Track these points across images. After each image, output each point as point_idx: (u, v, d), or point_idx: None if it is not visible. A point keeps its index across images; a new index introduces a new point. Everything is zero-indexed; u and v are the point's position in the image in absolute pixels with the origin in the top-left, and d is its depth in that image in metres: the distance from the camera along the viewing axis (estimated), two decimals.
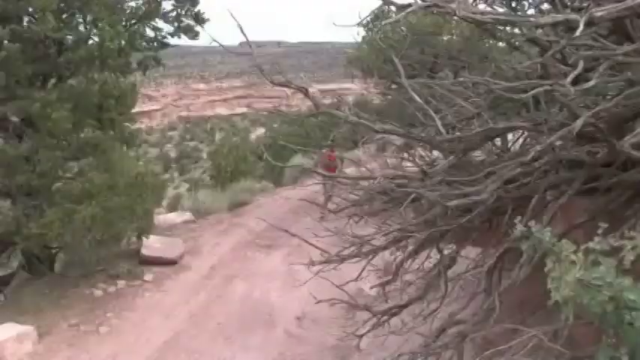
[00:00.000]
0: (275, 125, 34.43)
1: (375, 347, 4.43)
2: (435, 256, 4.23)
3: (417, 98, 3.60)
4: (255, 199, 16.55)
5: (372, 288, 4.56)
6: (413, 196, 3.53)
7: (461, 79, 3.92)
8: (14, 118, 9.38)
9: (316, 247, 4.56)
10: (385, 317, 3.78)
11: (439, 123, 3.58)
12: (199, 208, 15.53)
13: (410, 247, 3.76)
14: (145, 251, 11.43)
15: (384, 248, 3.94)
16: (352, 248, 4.19)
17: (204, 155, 63.72)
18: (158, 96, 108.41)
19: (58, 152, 9.31)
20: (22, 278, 11.05)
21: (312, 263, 4.15)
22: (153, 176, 11.60)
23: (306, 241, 4.62)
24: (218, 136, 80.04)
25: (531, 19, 3.45)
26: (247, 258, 11.10)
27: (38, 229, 8.92)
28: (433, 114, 3.60)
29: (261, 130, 67.23)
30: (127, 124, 10.82)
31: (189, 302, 9.69)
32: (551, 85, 2.99)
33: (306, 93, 3.82)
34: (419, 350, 3.68)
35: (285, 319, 8.54)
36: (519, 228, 2.41)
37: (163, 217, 15.02)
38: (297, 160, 19.77)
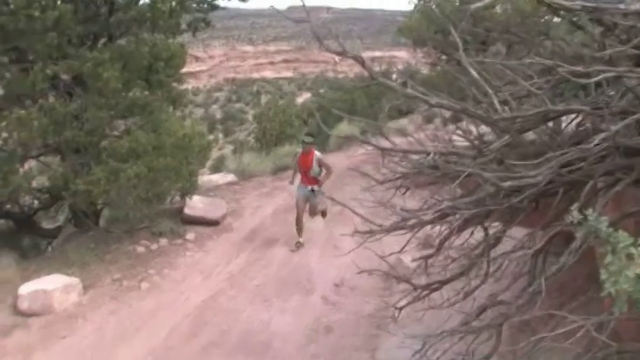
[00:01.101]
0: (321, 90, 34.35)
1: (411, 320, 4.43)
2: (479, 233, 4.17)
3: (474, 73, 3.52)
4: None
5: (413, 261, 4.52)
6: (466, 173, 3.45)
7: (528, 59, 3.76)
8: (65, 77, 9.51)
9: (359, 216, 4.49)
10: (425, 292, 3.76)
11: (495, 100, 3.50)
12: (243, 171, 15.63)
13: (456, 224, 3.70)
14: (188, 211, 11.58)
15: (431, 222, 3.89)
16: (397, 220, 4.13)
17: (250, 117, 63.99)
18: (205, 57, 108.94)
19: (107, 111, 9.44)
20: (68, 232, 11.32)
21: (356, 233, 4.10)
22: (199, 138, 11.68)
23: (354, 211, 4.50)
24: (264, 99, 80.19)
25: (620, 5, 3.36)
26: (288, 222, 11.12)
27: (85, 185, 9.09)
28: (490, 90, 3.51)
29: (307, 95, 67.19)
30: (175, 84, 10.92)
31: (229, 263, 9.84)
32: (619, 72, 2.89)
33: (362, 63, 3.76)
34: (458, 328, 3.66)
35: (323, 286, 8.60)
36: (575, 214, 2.36)
37: (207, 178, 15.16)
38: (343, 127, 19.72)
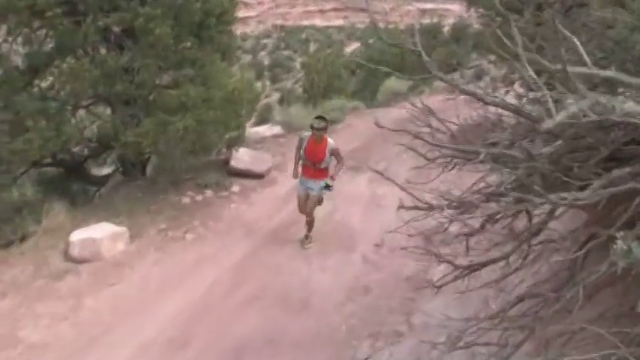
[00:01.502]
0: (371, 41, 33.88)
1: (447, 287, 4.46)
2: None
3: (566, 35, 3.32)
4: (346, 118, 16.53)
5: (457, 237, 4.50)
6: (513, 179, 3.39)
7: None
8: (116, 29, 9.62)
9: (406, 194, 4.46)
10: (465, 272, 3.79)
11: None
12: (289, 123, 15.67)
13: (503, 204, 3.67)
14: (234, 163, 11.72)
15: (475, 206, 3.86)
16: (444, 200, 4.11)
17: (297, 65, 63.73)
18: (254, 3, 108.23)
19: (157, 65, 9.54)
20: (116, 180, 11.58)
21: (401, 207, 4.09)
22: (248, 91, 11.74)
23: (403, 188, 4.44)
24: (312, 47, 79.61)
25: None
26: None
27: (134, 137, 9.27)
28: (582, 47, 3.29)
29: (356, 45, 66.47)
30: (225, 37, 10.96)
31: (272, 218, 10.02)
32: None
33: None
34: (494, 315, 3.69)
35: (364, 245, 8.71)
36: (620, 244, 2.32)
37: (254, 130, 15.30)
38: (391, 82, 19.56)
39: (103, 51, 9.72)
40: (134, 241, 9.12)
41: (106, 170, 12.55)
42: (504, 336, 3.60)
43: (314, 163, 8.51)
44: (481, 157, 3.62)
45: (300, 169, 8.82)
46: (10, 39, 9.19)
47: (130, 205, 10.24)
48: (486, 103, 3.76)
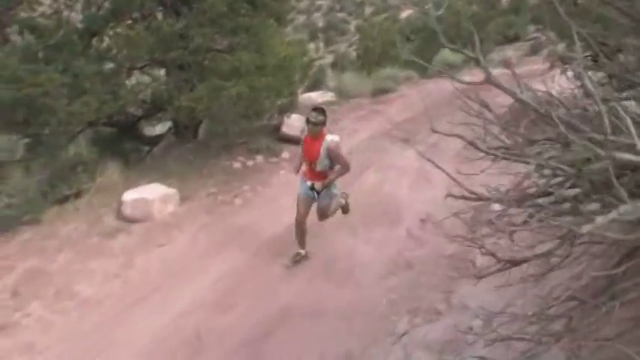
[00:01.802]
0: (427, 7, 33.37)
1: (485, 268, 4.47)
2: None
3: None
4: (399, 87, 16.43)
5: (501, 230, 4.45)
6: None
7: None
8: None
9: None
10: (507, 265, 3.79)
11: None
12: (342, 90, 15.66)
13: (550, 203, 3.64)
14: (285, 129, 11.82)
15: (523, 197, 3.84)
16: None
17: (352, 28, 63.11)
18: None
19: (212, 32, 9.64)
20: (169, 141, 11.77)
21: (449, 195, 4.07)
22: (301, 57, 11.77)
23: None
24: (367, 10, 78.73)
25: None
26: (383, 149, 11.20)
27: (188, 102, 9.42)
28: None
29: (411, 11, 65.53)
30: (279, 3, 10.98)
31: None
32: None
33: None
34: (533, 313, 3.70)
35: (409, 219, 8.68)
36: None
37: (307, 95, 15.31)
38: (446, 53, 19.30)
39: (159, 16, 9.85)
40: (184, 203, 9.34)
41: (158, 131, 12.77)
42: (539, 333, 3.63)
43: (310, 163, 7.27)
44: (530, 163, 3.59)
45: (304, 167, 7.55)
46: (70, 3, 9.37)
47: (181, 168, 10.45)
48: (517, 99, 3.71)
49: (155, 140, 12.28)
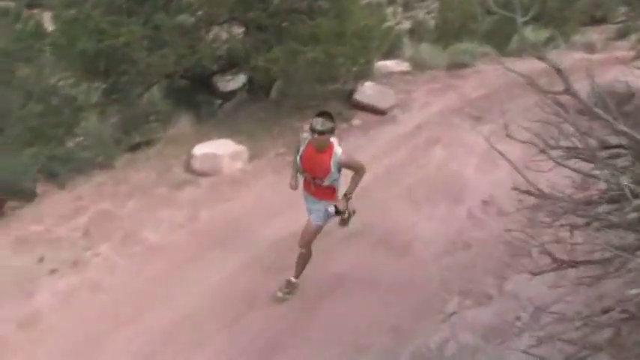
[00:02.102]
0: None
1: (541, 260, 4.46)
2: None
3: None
4: (475, 63, 16.17)
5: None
6: None
7: None
8: None
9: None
10: (564, 265, 3.78)
11: None
12: (418, 61, 15.50)
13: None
14: (358, 96, 11.82)
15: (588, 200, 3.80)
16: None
17: None
18: None
19: None
20: (241, 98, 11.91)
21: (515, 189, 4.04)
22: (380, 25, 11.71)
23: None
24: None
25: None
26: (453, 125, 11.10)
27: (264, 62, 9.53)
28: None
29: None
30: None
31: (388, 156, 10.05)
32: None
33: None
34: (581, 317, 3.68)
35: (472, 199, 8.60)
36: None
37: (382, 63, 15.19)
38: (527, 30, 18.80)
39: None
40: (253, 161, 9.51)
41: (231, 87, 12.90)
42: (585, 339, 3.62)
43: (313, 178, 6.07)
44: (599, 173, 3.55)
45: (301, 181, 6.42)
46: None
47: (252, 125, 10.61)
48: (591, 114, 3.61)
49: (228, 96, 12.44)
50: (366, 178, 8.81)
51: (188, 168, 9.13)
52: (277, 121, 10.82)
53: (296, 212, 7.95)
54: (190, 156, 9.20)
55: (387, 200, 8.47)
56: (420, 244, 7.47)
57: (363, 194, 8.42)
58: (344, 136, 10.49)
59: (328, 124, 5.60)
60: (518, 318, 5.23)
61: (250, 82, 11.79)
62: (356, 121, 11.22)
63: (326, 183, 5.99)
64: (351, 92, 12.00)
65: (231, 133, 10.06)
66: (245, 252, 7.25)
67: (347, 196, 6.04)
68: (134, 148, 9.90)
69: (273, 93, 12.03)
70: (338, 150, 5.80)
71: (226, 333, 6.07)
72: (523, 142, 4.50)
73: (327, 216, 6.16)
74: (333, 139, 5.82)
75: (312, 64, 9.70)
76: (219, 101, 12.35)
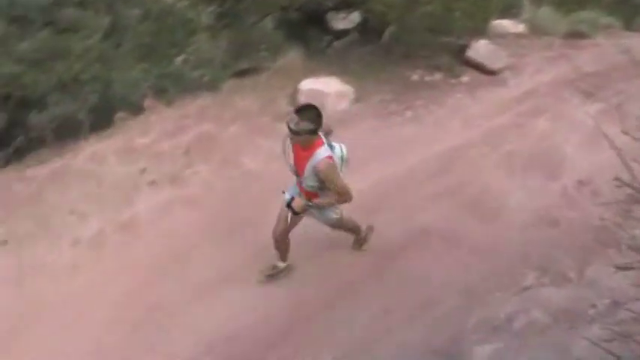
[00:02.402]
0: None
1: (628, 255, 4.43)
2: None
3: None
4: (595, 35, 15.52)
5: None
6: None
7: None
8: None
9: None
10: None
11: None
12: (535, 25, 15.00)
13: None
14: (470, 53, 11.60)
15: None
16: None
17: None
18: None
19: None
20: (352, 39, 11.78)
21: (616, 179, 3.98)
22: None
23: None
24: None
25: None
26: (562, 98, 10.76)
27: (381, 6, 9.51)
28: None
29: None
30: None
31: (490, 119, 9.85)
32: None
33: None
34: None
35: (569, 177, 8.41)
36: None
37: (498, 22, 14.81)
38: None
39: None
40: (357, 103, 9.61)
41: (344, 26, 12.84)
42: None
43: (297, 174, 5.37)
44: None
45: None
46: None
47: (360, 68, 10.63)
48: None
49: (339, 34, 12.37)
50: (465, 138, 8.89)
51: (292, 101, 9.31)
52: (385, 66, 10.80)
53: (393, 159, 8.08)
54: (296, 90, 9.37)
55: (483, 163, 8.46)
56: (508, 212, 7.48)
57: (459, 154, 8.51)
58: (450, 92, 10.42)
59: (304, 126, 4.79)
60: (593, 306, 5.24)
61: (364, 23, 11.72)
62: (465, 78, 11.07)
63: (304, 185, 5.32)
64: (464, 47, 11.78)
65: (339, 72, 10.13)
66: None
67: (308, 203, 5.32)
68: (241, 74, 10.11)
69: (385, 38, 11.92)
70: (320, 154, 4.92)
71: (304, 267, 6.32)
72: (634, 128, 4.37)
73: (284, 201, 5.51)
74: (324, 139, 5.10)
75: (428, 15, 9.62)
76: (330, 40, 12.35)
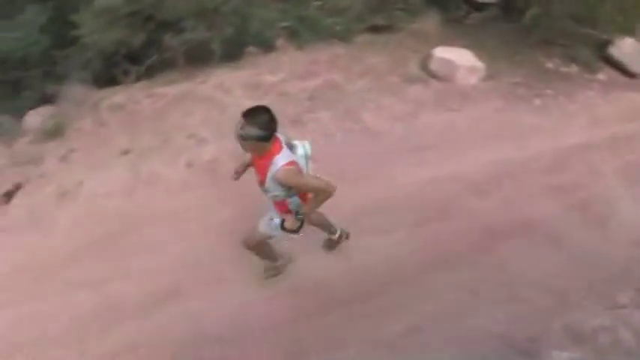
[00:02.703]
0: None
1: None
2: None
3: None
4: None
5: None
6: None
7: None
8: None
9: None
10: None
11: None
12: None
13: None
14: (612, 51, 11.06)
15: None
16: None
17: None
18: None
19: None
20: (492, 14, 11.37)
21: None
22: None
23: None
24: None
25: None
26: None
27: None
28: None
29: None
30: None
31: (618, 124, 9.33)
32: None
33: None
34: None
35: None
36: None
37: None
38: None
39: None
40: (486, 81, 9.49)
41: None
42: None
43: (259, 183, 4.67)
44: None
45: None
46: None
47: (495, 45, 10.43)
48: None
49: (480, 7, 12.12)
50: (589, 138, 8.57)
51: (423, 66, 9.30)
52: (521, 48, 10.54)
53: (509, 144, 7.93)
54: (429, 55, 9.33)
55: (601, 168, 8.14)
56: (616, 224, 7.18)
57: (579, 153, 8.23)
58: (583, 87, 10.03)
59: (250, 131, 4.17)
60: None
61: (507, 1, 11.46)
62: (601, 76, 10.62)
63: (268, 197, 4.75)
64: (607, 43, 11.28)
65: (473, 45, 9.98)
66: (454, 164, 7.48)
67: (298, 216, 4.83)
68: (375, 30, 10.15)
69: (526, 19, 11.58)
70: (277, 162, 4.30)
71: (408, 230, 6.40)
72: None
73: (276, 227, 4.98)
74: (282, 142, 4.47)
75: (575, 2, 9.31)
76: (469, 9, 12.12)
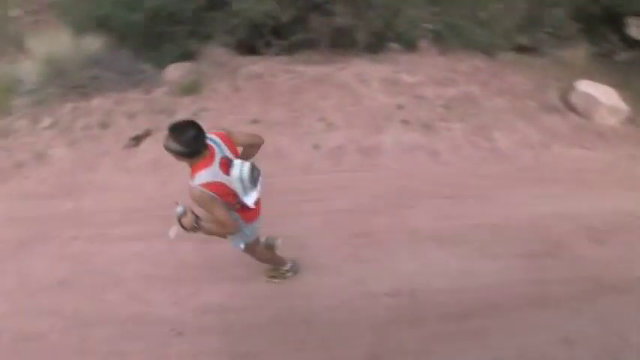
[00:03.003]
0: None
1: None
2: None
3: None
4: None
5: None
6: None
7: None
8: None
9: None
10: None
11: None
12: None
13: None
14: None
15: None
16: None
17: None
18: None
19: None
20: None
21: None
22: None
23: None
24: None
25: None
26: None
27: None
28: None
29: None
30: None
31: None
32: None
33: None
34: None
35: None
36: None
37: None
38: None
39: None
40: (626, 124, 8.92)
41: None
42: None
43: None
44: None
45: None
46: None
47: None
48: None
49: (634, 44, 11.65)
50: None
51: (563, 97, 8.98)
52: None
53: (635, 196, 7.53)
54: (571, 86, 9.00)
55: None
56: None
57: None
58: None
59: (171, 145, 4.10)
60: None
61: None
62: None
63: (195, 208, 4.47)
64: None
65: (619, 85, 9.45)
66: (572, 204, 7.13)
67: (194, 225, 4.45)
68: (520, 49, 9.93)
69: None
70: (196, 180, 4.20)
71: (513, 259, 6.26)
72: None
73: (248, 234, 4.98)
74: (216, 160, 4.31)
75: None
76: (622, 45, 11.64)
